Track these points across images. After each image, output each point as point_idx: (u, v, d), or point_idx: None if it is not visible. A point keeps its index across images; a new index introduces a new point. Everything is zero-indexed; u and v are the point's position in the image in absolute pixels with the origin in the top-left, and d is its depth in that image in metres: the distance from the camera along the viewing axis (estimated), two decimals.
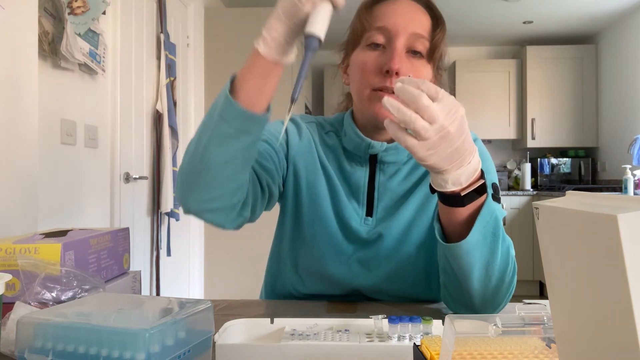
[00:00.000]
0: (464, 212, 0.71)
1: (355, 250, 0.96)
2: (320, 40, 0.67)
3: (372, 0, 0.94)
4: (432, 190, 0.72)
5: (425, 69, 0.91)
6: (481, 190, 0.70)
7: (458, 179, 0.66)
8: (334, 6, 0.69)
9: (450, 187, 0.67)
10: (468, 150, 0.65)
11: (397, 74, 0.85)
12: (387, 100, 0.62)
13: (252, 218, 0.89)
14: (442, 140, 0.62)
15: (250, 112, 0.72)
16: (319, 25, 0.67)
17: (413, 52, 0.89)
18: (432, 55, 0.91)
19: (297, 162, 0.98)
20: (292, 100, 0.66)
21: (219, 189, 0.77)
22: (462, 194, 0.69)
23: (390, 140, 0.95)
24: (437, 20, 0.92)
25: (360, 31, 0.93)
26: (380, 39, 0.89)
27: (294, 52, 0.73)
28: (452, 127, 0.62)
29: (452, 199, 0.70)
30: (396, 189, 0.96)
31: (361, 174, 0.97)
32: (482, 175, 0.70)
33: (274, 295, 1.05)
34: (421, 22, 0.90)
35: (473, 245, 0.72)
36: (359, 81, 0.91)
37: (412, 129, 0.61)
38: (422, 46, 0.89)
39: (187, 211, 0.81)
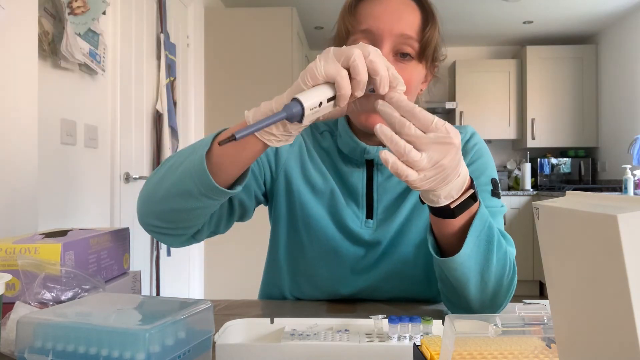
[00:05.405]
0: (457, 222, 0.71)
1: (358, 253, 0.94)
2: (302, 106, 0.58)
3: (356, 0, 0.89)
4: (422, 201, 0.71)
5: (416, 71, 0.87)
6: (472, 197, 0.69)
7: (449, 193, 0.65)
8: (336, 97, 0.61)
9: (443, 202, 0.66)
10: (458, 163, 0.63)
11: None
12: (380, 129, 0.60)
13: (215, 233, 0.90)
14: (436, 171, 0.61)
15: (220, 188, 0.70)
16: (309, 96, 0.59)
17: (402, 55, 0.85)
18: (424, 54, 0.86)
19: (288, 168, 0.96)
20: (234, 139, 0.57)
21: (171, 224, 0.80)
22: (452, 206, 0.68)
23: None
24: (427, 16, 0.86)
25: (345, 34, 0.87)
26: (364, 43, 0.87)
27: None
28: (446, 160, 0.60)
29: (443, 212, 0.69)
30: (395, 188, 0.95)
31: (358, 176, 0.95)
32: (471, 183, 0.69)
33: (270, 298, 1.04)
34: (409, 22, 0.84)
35: (467, 257, 0.72)
36: None
37: (404, 160, 0.60)
38: (411, 48, 0.84)
39: (140, 224, 0.84)
